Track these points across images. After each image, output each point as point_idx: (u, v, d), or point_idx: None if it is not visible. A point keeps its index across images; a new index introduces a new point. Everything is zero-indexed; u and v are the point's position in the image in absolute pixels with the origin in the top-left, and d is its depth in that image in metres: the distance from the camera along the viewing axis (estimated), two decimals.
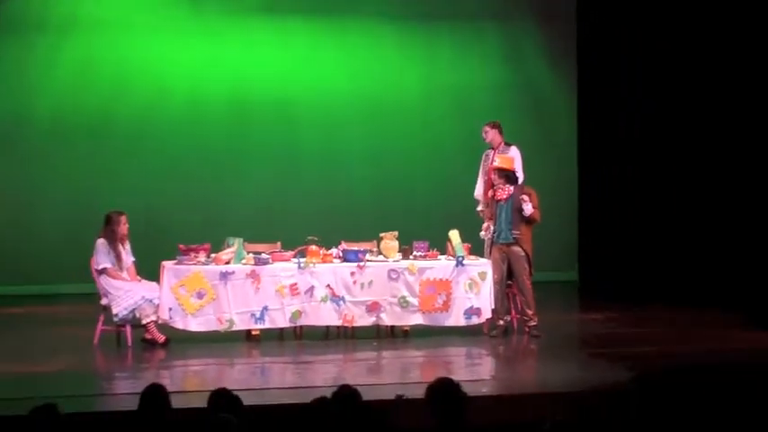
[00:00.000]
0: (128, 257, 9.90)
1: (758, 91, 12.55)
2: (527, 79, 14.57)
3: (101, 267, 9.71)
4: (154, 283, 9.86)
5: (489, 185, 10.28)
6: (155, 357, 9.32)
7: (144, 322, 9.64)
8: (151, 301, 9.65)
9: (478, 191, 10.69)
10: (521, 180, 10.30)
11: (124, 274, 9.82)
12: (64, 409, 5.09)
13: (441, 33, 14.42)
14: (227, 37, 14.02)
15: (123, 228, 9.86)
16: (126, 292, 9.63)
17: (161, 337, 9.63)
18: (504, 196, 10.04)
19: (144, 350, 9.53)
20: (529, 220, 10.06)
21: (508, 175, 10.10)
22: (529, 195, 10.01)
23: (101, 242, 9.79)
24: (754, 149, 12.61)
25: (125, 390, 7.93)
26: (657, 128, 13.49)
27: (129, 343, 9.59)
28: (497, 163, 10.14)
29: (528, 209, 9.93)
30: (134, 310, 9.62)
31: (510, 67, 14.56)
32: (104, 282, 9.72)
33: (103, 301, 9.75)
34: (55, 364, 8.92)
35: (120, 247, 9.84)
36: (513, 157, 10.32)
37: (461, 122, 13.49)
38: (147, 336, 9.67)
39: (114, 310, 9.62)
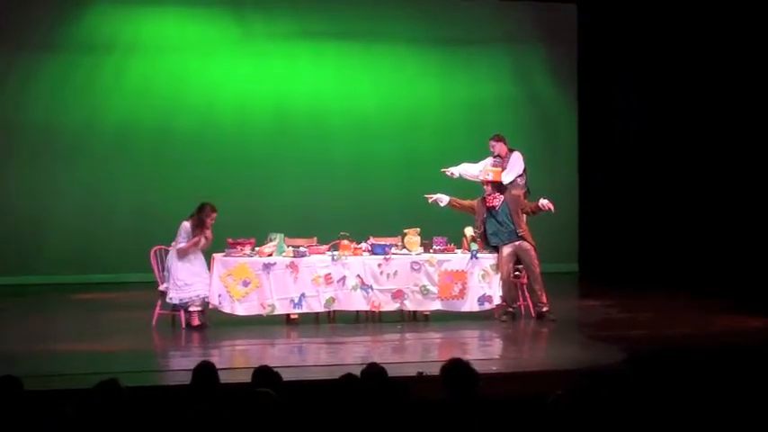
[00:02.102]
0: (205, 245, 9.73)
1: (753, 96, 12.43)
2: (533, 96, 14.53)
3: (178, 246, 9.56)
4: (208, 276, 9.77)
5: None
6: (205, 338, 9.28)
7: (190, 309, 9.60)
8: (202, 297, 9.58)
9: (472, 166, 10.60)
10: (521, 180, 10.36)
11: (195, 259, 9.68)
12: (125, 384, 5.07)
13: (456, 56, 14.38)
14: (270, 58, 14.03)
15: (210, 221, 9.70)
16: (186, 286, 9.54)
17: (197, 322, 9.57)
18: (497, 203, 10.07)
19: (195, 331, 9.48)
20: (528, 213, 10.10)
21: (498, 186, 10.13)
22: (518, 197, 10.08)
23: (186, 225, 9.63)
24: (746, 149, 12.50)
25: (179, 366, 7.90)
26: (651, 134, 13.48)
27: (183, 325, 9.57)
28: (490, 177, 10.14)
29: (546, 203, 9.98)
30: (187, 302, 9.58)
31: (518, 86, 14.52)
32: (173, 265, 9.54)
33: (162, 287, 9.69)
34: (117, 343, 8.91)
35: (202, 236, 9.65)
36: (507, 168, 10.32)
37: (475, 134, 13.34)
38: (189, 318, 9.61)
39: (170, 294, 9.56)
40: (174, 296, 9.56)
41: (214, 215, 9.76)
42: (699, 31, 12.94)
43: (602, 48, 13.93)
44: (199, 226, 9.64)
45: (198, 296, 9.59)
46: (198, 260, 9.74)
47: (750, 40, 12.42)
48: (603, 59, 13.94)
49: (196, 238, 9.63)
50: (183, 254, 9.60)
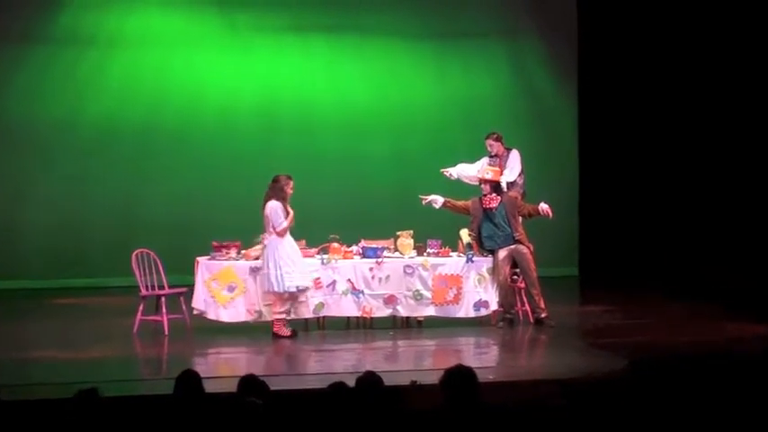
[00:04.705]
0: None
1: (754, 94, 12.45)
2: (531, 91, 14.54)
3: (282, 227, 9.38)
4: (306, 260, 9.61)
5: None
6: (189, 346, 9.27)
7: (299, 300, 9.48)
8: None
9: (469, 167, 10.60)
10: (519, 180, 10.34)
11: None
12: (105, 394, 5.06)
13: (451, 49, 14.39)
14: (257, 52, 14.04)
15: (290, 190, 9.54)
16: (298, 272, 9.40)
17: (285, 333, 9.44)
18: (494, 205, 10.06)
19: (178, 339, 9.44)
20: (524, 216, 10.12)
21: (497, 186, 10.13)
22: (515, 199, 10.08)
23: (275, 204, 9.42)
24: (750, 151, 12.51)
25: (162, 375, 7.91)
26: (655, 132, 13.46)
27: (166, 332, 9.54)
28: (489, 176, 10.12)
29: (545, 208, 10.01)
30: (303, 288, 9.46)
31: (515, 80, 14.54)
32: (277, 251, 9.33)
33: (267, 270, 9.35)
34: (97, 351, 8.90)
35: (288, 207, 9.52)
36: (507, 167, 10.30)
37: (470, 131, 13.36)
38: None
39: (286, 284, 9.30)
40: (290, 284, 9.32)
41: (292, 183, 9.58)
42: (706, 20, 12.94)
43: (603, 39, 13.94)
44: (284, 198, 9.48)
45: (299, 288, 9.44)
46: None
47: (756, 30, 12.43)
48: (605, 52, 13.95)
49: (291, 213, 9.47)
50: (284, 233, 9.41)
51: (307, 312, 9.74)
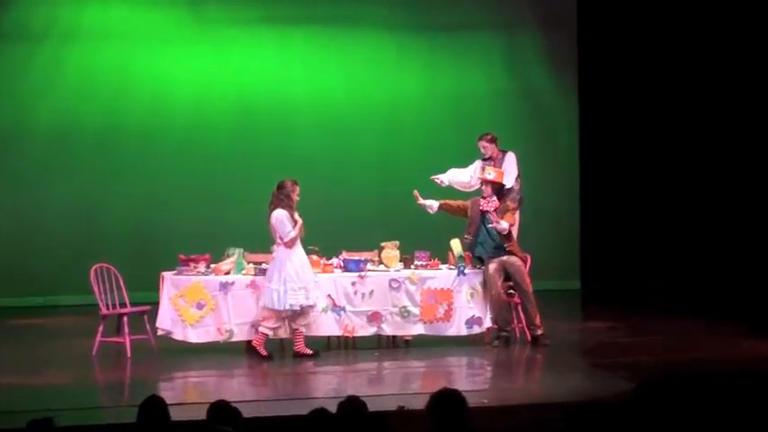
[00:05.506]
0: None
1: (764, 94, 12.53)
2: (528, 87, 14.60)
3: (290, 238, 9.40)
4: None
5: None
6: (154, 369, 9.26)
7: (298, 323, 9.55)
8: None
9: (461, 173, 10.65)
10: (516, 185, 10.37)
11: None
12: (61, 424, 5.08)
13: (440, 42, 14.45)
14: (229, 46, 14.08)
15: (296, 197, 9.58)
16: (305, 290, 9.46)
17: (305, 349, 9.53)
18: (491, 209, 10.07)
19: (142, 361, 9.45)
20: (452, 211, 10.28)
21: (499, 189, 10.17)
22: (511, 210, 10.06)
23: (282, 213, 9.45)
24: (763, 157, 12.57)
25: (124, 402, 7.90)
26: (662, 135, 13.48)
27: (129, 354, 9.54)
28: (492, 176, 10.15)
29: (501, 227, 9.93)
30: (309, 305, 9.51)
31: (511, 76, 14.60)
32: (285, 264, 9.36)
33: (269, 284, 9.42)
34: (53, 376, 8.88)
35: (296, 215, 9.56)
36: (504, 171, 10.33)
37: (462, 131, 13.43)
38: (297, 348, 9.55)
39: (289, 302, 9.35)
40: (294, 302, 9.37)
41: (298, 189, 9.62)
42: (715, 12, 13.03)
43: (605, 32, 14.00)
44: (291, 207, 9.52)
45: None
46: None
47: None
48: (607, 46, 14.01)
49: (299, 221, 9.51)
50: (292, 244, 9.44)
51: (283, 332, 9.68)
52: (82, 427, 6.62)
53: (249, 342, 9.79)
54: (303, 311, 9.51)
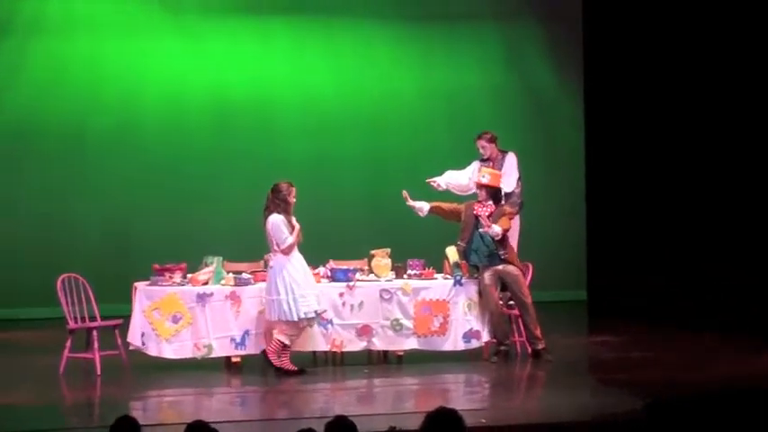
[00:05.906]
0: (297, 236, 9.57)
1: None
2: (529, 82, 14.67)
3: (288, 244, 9.38)
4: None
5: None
6: (126, 387, 9.22)
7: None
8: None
9: (458, 175, 10.65)
10: (517, 189, 10.40)
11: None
12: None
13: (436, 34, 14.50)
14: (206, 39, 14.08)
15: (293, 200, 9.56)
16: (312, 295, 9.46)
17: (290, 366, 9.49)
18: (487, 213, 10.01)
19: (113, 379, 9.38)
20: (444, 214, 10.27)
21: (494, 193, 10.11)
22: (508, 215, 10.03)
23: (278, 219, 9.43)
24: None
25: (94, 423, 7.87)
26: (671, 135, 13.46)
27: (99, 372, 9.48)
28: (487, 180, 10.11)
29: (494, 232, 9.86)
30: (315, 314, 9.48)
31: (511, 70, 14.66)
32: (285, 271, 9.35)
33: (277, 296, 9.35)
34: (17, 395, 8.82)
35: (294, 221, 9.55)
36: (503, 173, 10.32)
37: (458, 129, 13.47)
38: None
39: (302, 310, 9.32)
40: (306, 310, 9.35)
41: (293, 191, 9.60)
42: (722, 5, 13.03)
43: (611, 24, 14.01)
44: (287, 211, 9.51)
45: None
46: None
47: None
48: (614, 39, 14.01)
49: (297, 226, 9.50)
50: (290, 251, 9.42)
51: (301, 345, 9.66)
52: None
53: (229, 358, 9.76)
54: (312, 319, 9.50)
